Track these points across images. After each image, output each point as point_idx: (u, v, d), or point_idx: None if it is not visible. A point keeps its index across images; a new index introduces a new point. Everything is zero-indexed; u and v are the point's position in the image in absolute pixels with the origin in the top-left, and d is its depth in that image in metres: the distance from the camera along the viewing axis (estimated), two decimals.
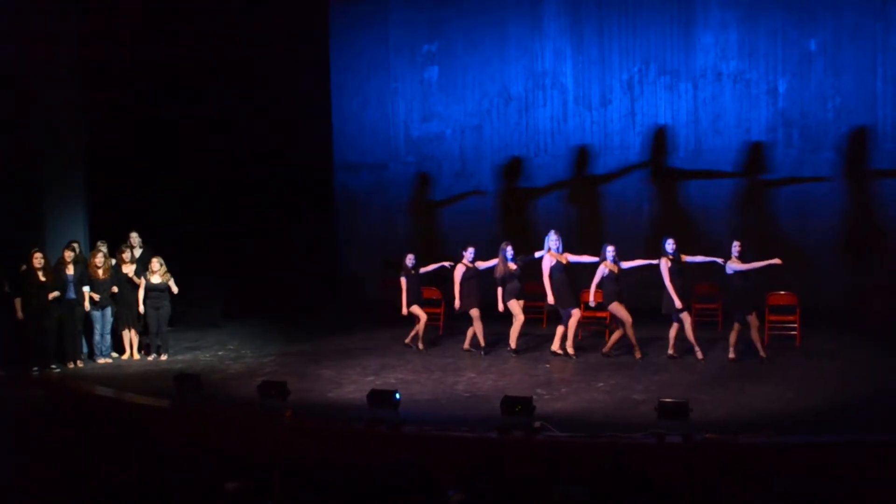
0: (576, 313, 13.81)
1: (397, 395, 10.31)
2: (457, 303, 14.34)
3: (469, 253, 14.47)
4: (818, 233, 16.86)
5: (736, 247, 13.21)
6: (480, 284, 14.37)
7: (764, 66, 17.23)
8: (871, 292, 16.10)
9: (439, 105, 19.54)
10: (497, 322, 14.69)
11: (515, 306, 14.08)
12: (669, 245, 13.46)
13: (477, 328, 14.32)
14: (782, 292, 14.41)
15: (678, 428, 9.24)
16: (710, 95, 17.57)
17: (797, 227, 17.01)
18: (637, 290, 14.39)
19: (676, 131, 17.80)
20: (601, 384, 12.16)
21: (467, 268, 14.37)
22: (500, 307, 14.13)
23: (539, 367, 13.40)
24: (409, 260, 14.81)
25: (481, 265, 14.45)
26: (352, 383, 12.58)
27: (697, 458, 9.01)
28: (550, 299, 13.77)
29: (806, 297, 14.68)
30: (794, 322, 14.31)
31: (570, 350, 13.79)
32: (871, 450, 8.82)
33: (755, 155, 17.27)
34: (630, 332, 13.56)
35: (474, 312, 14.26)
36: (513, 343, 14.12)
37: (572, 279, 13.97)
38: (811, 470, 8.61)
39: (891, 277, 16.28)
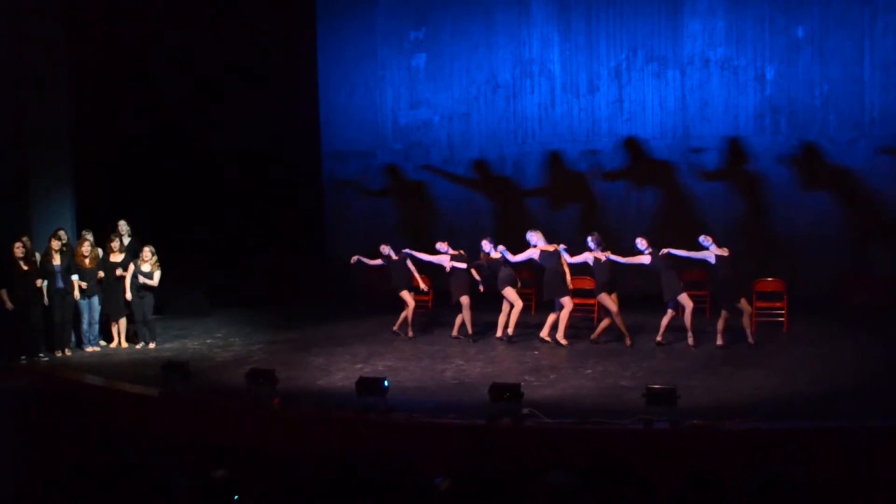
0: (567, 302, 13.80)
1: (386, 383, 10.32)
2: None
3: (442, 247, 14.57)
4: (806, 219, 16.89)
5: (706, 240, 13.21)
6: (469, 273, 14.38)
7: (751, 53, 17.23)
8: (857, 279, 16.14)
9: (427, 92, 19.49)
10: (487, 311, 14.69)
11: (511, 293, 14.08)
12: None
13: (466, 316, 14.33)
14: (770, 279, 14.45)
15: (666, 414, 9.28)
16: (698, 82, 17.56)
17: (785, 213, 17.05)
18: (627, 277, 14.38)
19: (664, 118, 17.79)
20: (589, 371, 12.19)
21: (452, 257, 14.42)
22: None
23: (527, 354, 13.42)
24: (384, 249, 14.86)
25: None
26: (340, 371, 12.58)
27: (685, 445, 9.04)
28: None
29: (793, 284, 14.71)
30: (781, 309, 14.35)
31: (563, 340, 13.76)
32: (859, 436, 8.87)
33: (743, 142, 17.29)
34: (618, 320, 13.59)
35: (464, 300, 14.28)
36: (510, 329, 14.10)
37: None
38: (799, 456, 8.64)
39: (877, 265, 16.34)
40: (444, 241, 14.84)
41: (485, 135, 19.08)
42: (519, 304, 14.09)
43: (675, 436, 9.14)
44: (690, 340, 13.31)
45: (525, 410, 9.75)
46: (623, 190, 18.11)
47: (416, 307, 14.98)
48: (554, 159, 18.55)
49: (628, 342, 13.58)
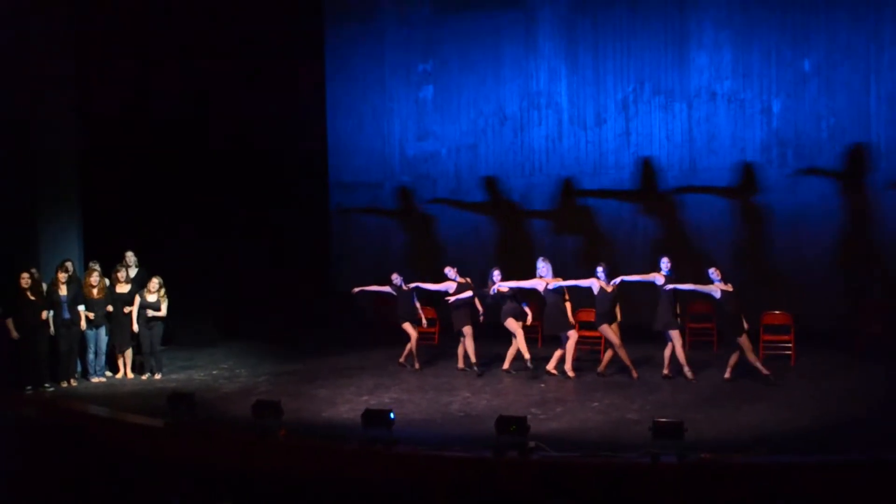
0: (573, 335, 13.78)
1: (392, 415, 10.30)
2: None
3: (451, 272, 14.58)
4: (813, 252, 16.85)
5: (714, 273, 13.16)
6: (473, 303, 14.38)
7: (758, 86, 17.26)
8: (865, 312, 16.08)
9: (434, 124, 19.54)
10: (491, 341, 14.67)
11: (513, 324, 14.06)
12: (665, 264, 13.48)
13: (469, 346, 14.30)
14: (777, 312, 14.41)
15: (673, 448, 9.24)
16: (705, 115, 17.58)
17: (792, 246, 17.00)
18: (630, 309, 14.36)
19: (671, 151, 17.80)
20: (596, 404, 12.15)
21: (459, 284, 14.42)
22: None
23: (534, 386, 13.39)
24: (395, 278, 14.86)
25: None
26: (346, 403, 12.56)
27: (692, 479, 9.00)
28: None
29: (800, 317, 14.67)
30: (788, 341, 14.31)
31: (570, 373, 13.73)
32: (867, 469, 8.82)
33: (749, 175, 17.29)
34: (621, 353, 13.53)
35: (467, 330, 14.26)
36: (507, 362, 14.09)
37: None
38: (806, 490, 8.60)
39: (885, 296, 16.28)
40: (453, 266, 14.83)
41: (492, 167, 19.09)
42: (520, 334, 14.06)
43: (682, 470, 9.10)
44: (688, 374, 13.24)
45: (531, 443, 9.72)
46: (630, 222, 18.08)
47: (422, 339, 14.96)
48: (561, 192, 18.55)
49: (634, 375, 13.52)
